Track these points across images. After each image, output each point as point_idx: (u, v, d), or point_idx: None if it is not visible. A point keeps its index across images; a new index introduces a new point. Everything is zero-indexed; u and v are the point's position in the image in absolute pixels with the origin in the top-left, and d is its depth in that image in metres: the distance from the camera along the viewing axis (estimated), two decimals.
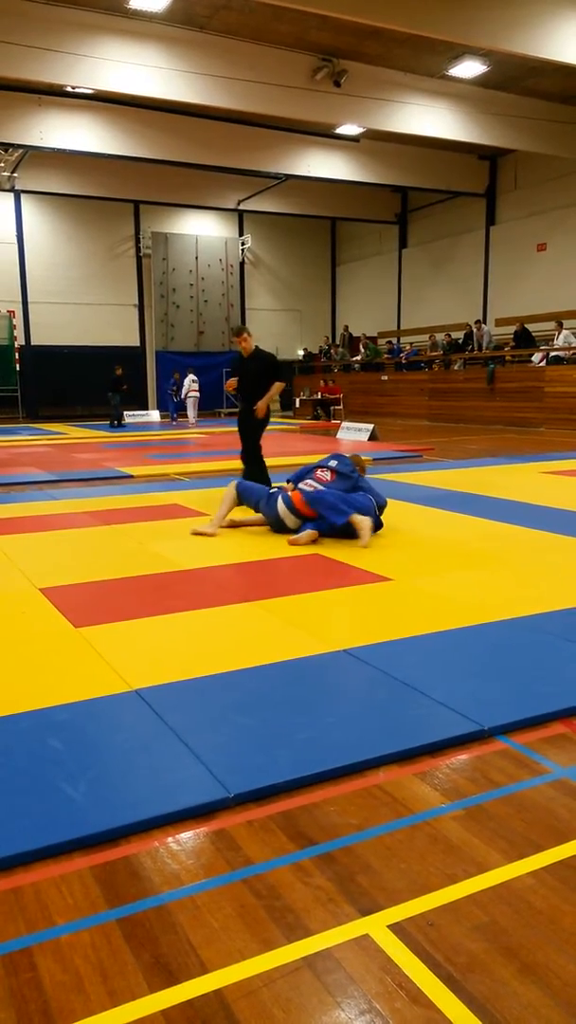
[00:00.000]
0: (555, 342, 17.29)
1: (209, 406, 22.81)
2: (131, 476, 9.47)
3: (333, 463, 5.74)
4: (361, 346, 23.69)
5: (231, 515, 5.95)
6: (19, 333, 23.79)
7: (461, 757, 2.46)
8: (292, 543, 5.27)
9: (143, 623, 3.71)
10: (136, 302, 25.43)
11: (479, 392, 18.16)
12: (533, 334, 18.65)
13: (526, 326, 18.76)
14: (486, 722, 2.60)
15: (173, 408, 21.09)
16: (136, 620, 3.75)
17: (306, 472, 5.80)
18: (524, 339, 18.54)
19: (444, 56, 14.41)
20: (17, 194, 22.62)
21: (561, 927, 1.72)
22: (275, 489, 5.76)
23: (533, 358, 17.60)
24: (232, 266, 26.30)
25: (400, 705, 2.76)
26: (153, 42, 13.41)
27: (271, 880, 1.88)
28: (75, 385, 23.77)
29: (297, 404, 23.10)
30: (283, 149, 18.69)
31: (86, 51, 13.01)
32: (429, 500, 7.06)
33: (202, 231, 25.76)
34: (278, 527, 5.64)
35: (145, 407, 24.80)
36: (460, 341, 20.36)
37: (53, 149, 17.05)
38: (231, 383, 7.00)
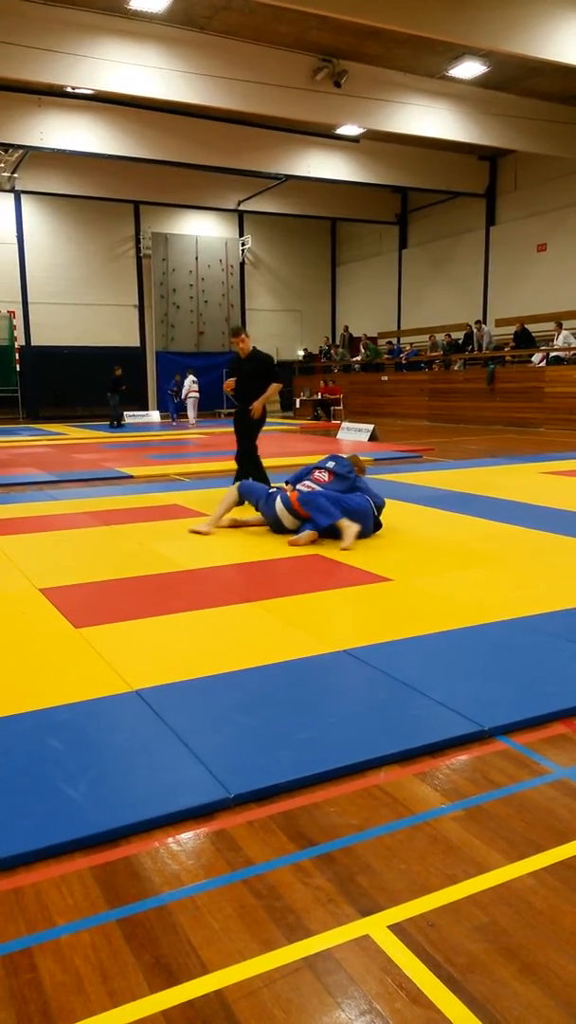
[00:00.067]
0: (555, 342, 17.30)
1: (209, 407, 22.81)
2: (131, 476, 9.47)
3: (331, 464, 5.75)
4: (362, 346, 23.69)
5: (233, 514, 5.97)
6: (19, 333, 23.79)
7: (461, 757, 2.46)
8: (292, 544, 5.27)
9: (143, 623, 3.71)
10: (136, 302, 25.44)
11: (479, 392, 18.16)
12: (533, 334, 18.66)
13: (526, 326, 18.76)
14: (486, 722, 2.60)
15: (173, 409, 21.11)
16: (136, 620, 3.75)
17: (305, 473, 5.81)
18: (524, 339, 18.54)
19: (444, 56, 14.42)
20: (17, 194, 22.62)
21: (561, 927, 1.72)
22: (274, 489, 5.77)
23: (533, 358, 17.60)
24: (232, 266, 26.31)
25: (400, 705, 2.76)
26: (153, 43, 13.42)
27: (271, 880, 1.88)
28: (75, 385, 23.78)
29: (297, 404, 23.11)
30: (283, 149, 18.69)
31: (86, 52, 13.02)
32: (429, 500, 7.06)
33: (202, 231, 25.77)
34: (277, 527, 5.65)
35: (145, 408, 24.81)
36: (460, 341, 20.37)
37: (53, 150, 17.06)
38: (229, 383, 7.01)
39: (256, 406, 6.88)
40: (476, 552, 5.08)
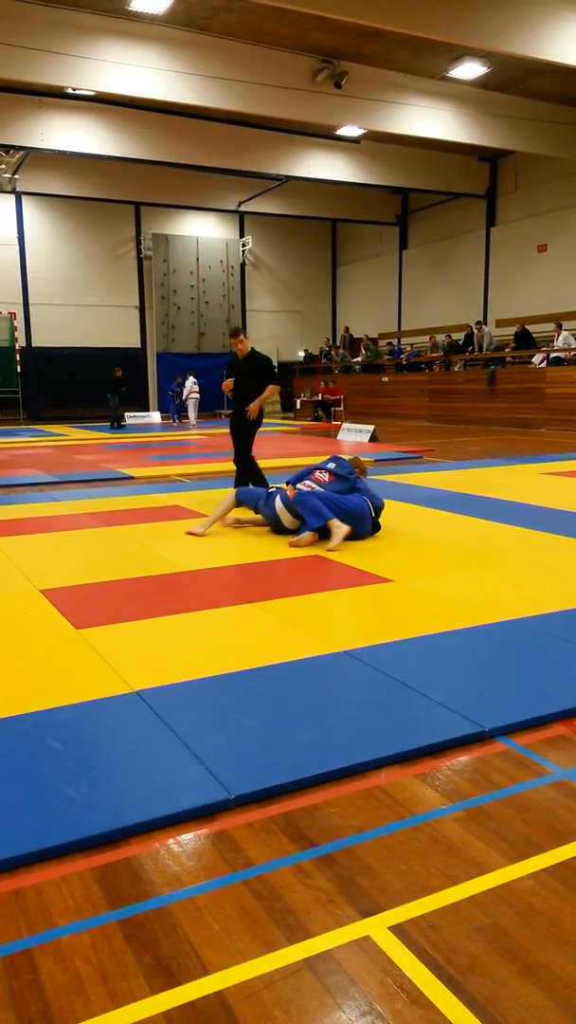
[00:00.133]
0: (555, 343, 17.30)
1: (210, 407, 22.83)
2: (132, 477, 9.47)
3: (331, 465, 5.76)
4: (363, 347, 23.70)
5: (235, 513, 5.99)
6: (20, 334, 23.81)
7: (462, 758, 2.46)
8: (293, 545, 5.28)
9: (144, 624, 3.71)
10: (137, 303, 25.45)
11: (480, 393, 18.16)
12: (534, 335, 18.66)
13: (526, 327, 18.77)
14: (487, 723, 2.60)
15: (174, 410, 21.12)
16: (137, 621, 3.75)
17: (305, 474, 5.82)
18: (524, 340, 18.54)
19: (444, 57, 14.42)
20: (18, 196, 22.64)
21: (562, 928, 1.72)
22: (274, 489, 5.78)
23: (534, 359, 17.60)
24: (233, 267, 26.32)
25: (401, 706, 2.76)
26: (154, 44, 13.43)
27: (272, 881, 1.88)
28: (76, 386, 23.80)
29: (298, 405, 23.11)
30: (284, 150, 18.71)
31: (87, 53, 13.03)
32: (429, 501, 7.06)
33: (203, 232, 25.78)
34: (277, 527, 5.66)
35: (146, 409, 24.82)
36: (460, 342, 20.37)
37: (54, 151, 17.07)
38: (228, 384, 7.01)
39: (252, 407, 6.88)
40: (476, 553, 5.08)
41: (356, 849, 2.00)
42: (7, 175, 20.32)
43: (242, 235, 26.45)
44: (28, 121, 16.14)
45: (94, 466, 10.62)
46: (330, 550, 5.13)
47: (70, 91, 15.02)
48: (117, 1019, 1.49)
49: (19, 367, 23.67)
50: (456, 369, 19.70)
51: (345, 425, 15.80)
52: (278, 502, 5.59)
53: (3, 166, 19.93)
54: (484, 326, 20.12)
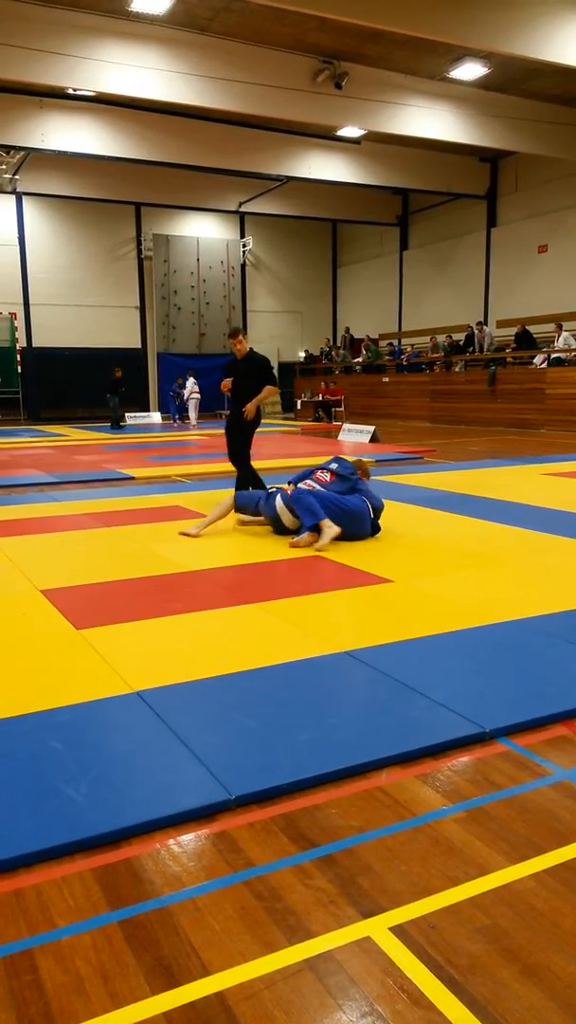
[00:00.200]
0: (555, 344, 17.30)
1: (210, 408, 22.84)
2: (132, 478, 9.47)
3: (334, 466, 5.78)
4: (364, 348, 23.70)
5: (239, 513, 6.00)
6: (20, 335, 23.82)
7: (462, 759, 2.46)
8: (293, 545, 5.28)
9: (144, 625, 3.71)
10: (137, 304, 25.46)
11: (480, 394, 18.16)
12: (534, 336, 18.66)
13: (527, 328, 18.77)
14: (487, 724, 2.60)
15: (175, 410, 21.12)
16: (137, 622, 3.75)
17: (307, 473, 5.83)
18: (525, 341, 18.55)
19: (445, 58, 14.43)
20: (19, 196, 22.66)
21: (562, 929, 1.72)
22: (274, 489, 5.79)
23: (534, 360, 17.60)
24: (233, 268, 26.33)
25: (401, 707, 2.76)
26: (154, 44, 13.43)
27: (272, 882, 1.88)
28: (76, 387, 23.80)
29: (298, 406, 23.11)
30: (284, 151, 18.71)
31: (87, 54, 13.03)
32: (430, 502, 7.06)
33: (203, 233, 25.79)
34: (278, 527, 5.67)
35: (146, 409, 24.83)
36: (461, 343, 20.37)
37: (54, 151, 17.08)
38: (226, 383, 7.01)
39: (249, 407, 6.88)
40: (477, 553, 5.08)
41: (357, 850, 2.00)
42: (8, 176, 20.33)
43: (243, 236, 26.46)
44: (29, 122, 16.15)
45: (94, 466, 10.62)
46: (317, 549, 5.16)
47: (71, 92, 15.03)
48: (117, 1019, 1.49)
49: (19, 367, 23.68)
50: (457, 370, 19.70)
51: (346, 426, 15.79)
52: (279, 501, 5.60)
53: (4, 167, 19.94)
54: (485, 327, 20.12)
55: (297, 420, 22.26)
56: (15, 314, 23.67)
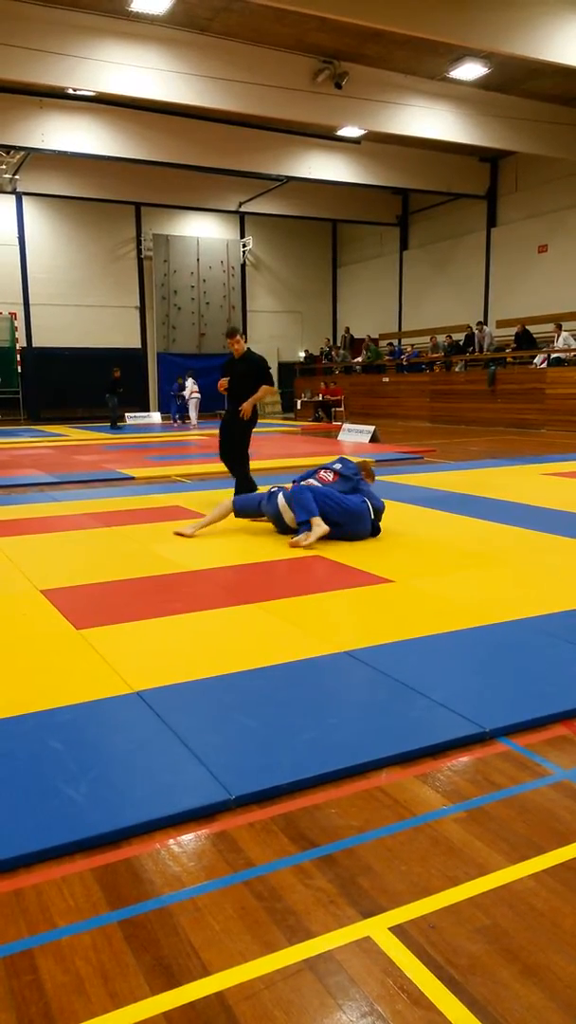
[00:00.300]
0: (555, 344, 17.31)
1: (210, 408, 22.84)
2: (132, 478, 9.48)
3: (337, 466, 5.79)
4: (364, 348, 23.70)
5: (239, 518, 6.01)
6: (20, 335, 23.82)
7: (462, 759, 2.46)
8: (293, 545, 5.28)
9: (144, 625, 3.71)
10: (137, 304, 25.46)
11: (480, 394, 18.16)
12: (534, 336, 18.66)
13: (527, 328, 18.77)
14: (487, 724, 2.60)
15: (175, 411, 21.13)
16: (138, 622, 3.75)
17: (311, 474, 5.84)
18: (525, 341, 18.55)
19: (445, 58, 14.43)
20: (19, 196, 22.66)
21: (562, 929, 1.72)
22: (276, 488, 5.80)
23: (535, 360, 17.60)
24: (233, 268, 26.33)
25: (401, 707, 2.76)
26: (154, 44, 13.43)
27: (272, 882, 1.88)
28: (76, 387, 23.80)
29: (298, 406, 23.10)
30: (284, 151, 18.71)
31: (87, 54, 13.03)
32: (430, 502, 7.06)
33: (203, 233, 25.79)
34: (280, 525, 5.68)
35: (146, 409, 24.83)
36: (461, 343, 20.37)
37: (54, 151, 17.08)
38: (223, 383, 7.01)
39: (245, 407, 6.87)
40: (477, 553, 5.08)
41: (357, 850, 2.00)
42: (8, 176, 20.34)
43: (243, 236, 26.46)
44: (29, 122, 16.15)
45: (94, 466, 10.62)
46: (305, 546, 5.19)
47: (71, 92, 15.03)
48: (118, 1019, 1.49)
49: (19, 367, 23.68)
50: (457, 370, 19.70)
51: (346, 426, 15.79)
52: (280, 499, 5.62)
53: (4, 167, 19.95)
54: (485, 327, 20.12)
55: (297, 420, 22.26)
56: (15, 314, 23.67)
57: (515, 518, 6.20)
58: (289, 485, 5.77)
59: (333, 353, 25.29)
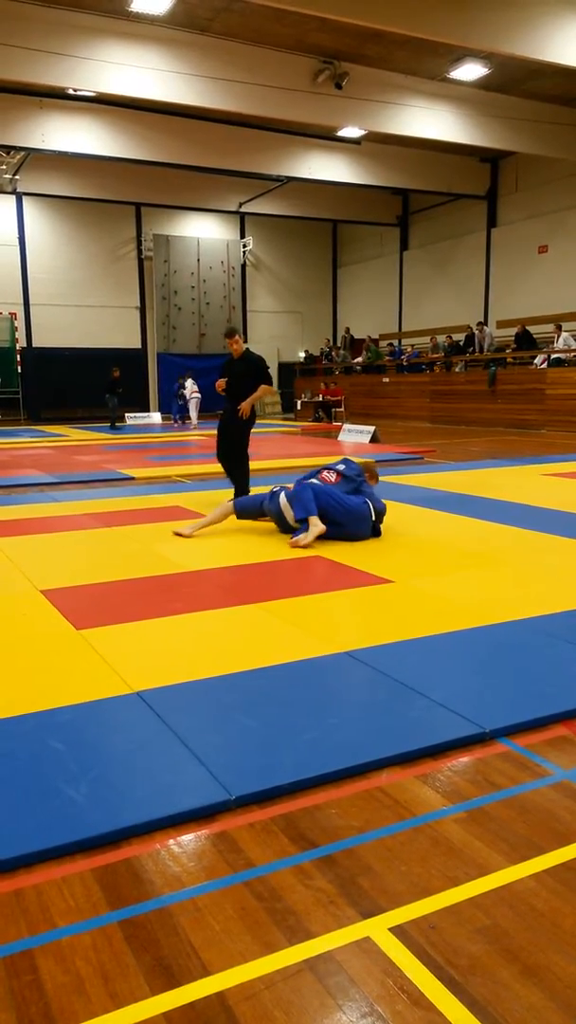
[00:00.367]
0: (555, 344, 17.30)
1: (211, 408, 22.83)
2: (132, 478, 9.48)
3: (341, 467, 5.79)
4: (364, 348, 23.70)
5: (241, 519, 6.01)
6: (21, 335, 23.82)
7: (463, 759, 2.46)
8: (293, 545, 5.28)
9: (144, 625, 3.71)
10: (138, 304, 25.46)
11: (480, 394, 18.16)
12: (534, 336, 18.66)
13: (527, 328, 18.77)
14: (487, 724, 2.60)
15: (177, 411, 21.14)
16: (138, 622, 3.75)
17: (313, 474, 5.84)
18: (525, 341, 18.55)
19: (445, 59, 14.43)
20: (19, 196, 22.66)
21: (563, 929, 1.72)
22: (279, 487, 5.81)
23: (535, 360, 17.60)
24: (234, 268, 26.33)
25: (401, 707, 2.76)
26: (155, 45, 13.44)
27: (272, 882, 1.88)
28: (76, 387, 23.79)
29: (298, 406, 23.10)
30: (284, 151, 18.71)
31: (88, 54, 13.04)
32: (430, 502, 7.06)
33: (204, 233, 25.79)
34: (283, 524, 5.68)
35: (146, 409, 24.82)
36: (461, 343, 20.37)
37: (55, 152, 17.08)
38: (220, 383, 7.01)
39: (244, 406, 6.87)
40: (477, 553, 5.08)
41: (357, 850, 2.00)
42: (8, 176, 20.33)
43: (243, 236, 26.46)
44: (29, 122, 16.16)
45: (94, 467, 10.62)
46: (304, 545, 5.19)
47: (71, 92, 15.03)
48: (118, 1020, 1.49)
49: (20, 368, 23.68)
50: (457, 370, 19.70)
51: (346, 426, 15.79)
52: (282, 498, 5.63)
53: (4, 167, 19.94)
54: (485, 327, 20.12)
55: (297, 420, 22.26)
56: (15, 314, 23.66)
57: (515, 518, 6.20)
58: (291, 485, 5.78)
59: (333, 353, 25.29)
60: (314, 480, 5.65)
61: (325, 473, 5.75)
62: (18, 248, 23.52)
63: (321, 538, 5.34)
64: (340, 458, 6.08)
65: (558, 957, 1.64)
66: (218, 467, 7.46)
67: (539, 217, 20.55)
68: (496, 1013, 1.49)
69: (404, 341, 24.25)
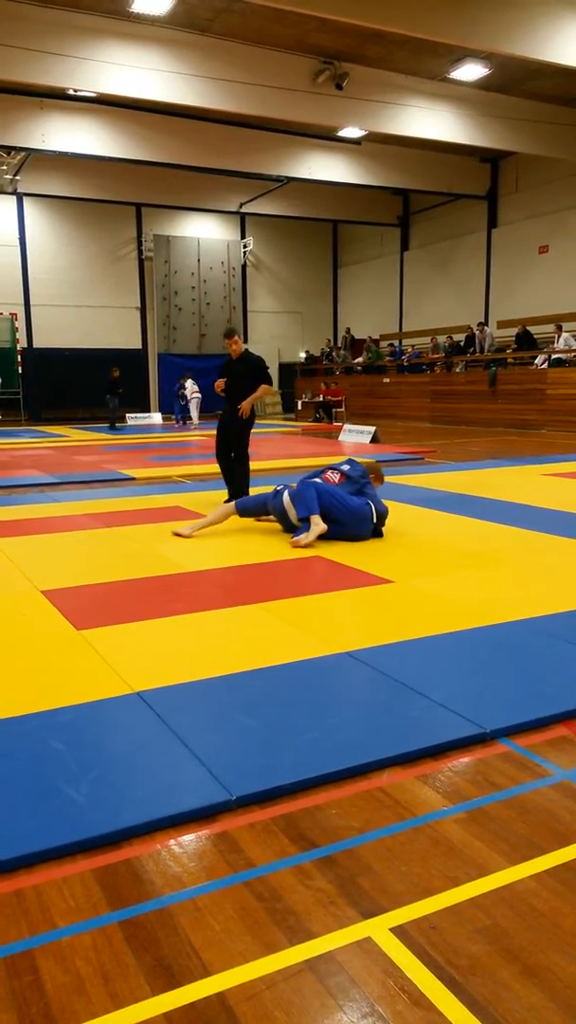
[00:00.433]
0: (555, 344, 17.30)
1: (211, 408, 22.82)
2: (133, 478, 9.48)
3: (345, 467, 5.79)
4: (364, 348, 23.70)
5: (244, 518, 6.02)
6: (21, 335, 23.82)
7: (463, 760, 2.46)
8: (293, 544, 5.29)
9: (145, 625, 3.71)
10: (138, 304, 25.46)
11: (481, 394, 18.16)
12: (535, 336, 18.66)
13: (528, 328, 18.77)
14: (488, 724, 2.60)
15: (179, 411, 21.15)
16: (138, 622, 3.75)
17: (317, 473, 5.85)
18: (526, 341, 18.54)
19: (445, 59, 14.43)
20: (20, 197, 22.67)
21: (563, 929, 1.72)
22: (282, 486, 5.81)
23: (535, 360, 17.60)
24: (234, 268, 26.33)
25: (402, 707, 2.76)
26: (155, 45, 13.44)
27: (273, 883, 1.88)
28: (77, 388, 23.79)
29: (299, 407, 23.10)
30: (285, 152, 18.72)
31: (88, 54, 13.04)
32: (430, 502, 7.06)
33: (204, 233, 25.80)
34: (286, 523, 5.69)
35: (147, 409, 24.83)
36: (462, 343, 20.37)
37: (55, 152, 17.08)
38: (219, 383, 7.01)
39: (244, 406, 6.87)
40: (477, 554, 5.08)
41: (357, 850, 2.00)
42: (8, 176, 20.34)
43: (243, 236, 26.46)
44: (29, 122, 16.16)
45: (95, 467, 10.63)
46: (304, 545, 5.19)
47: (71, 92, 15.04)
48: (118, 1020, 1.49)
49: (20, 368, 23.68)
50: (457, 370, 19.70)
51: (346, 426, 15.79)
52: (285, 496, 5.64)
53: (4, 167, 19.95)
54: (485, 327, 20.12)
55: (298, 421, 22.26)
56: (16, 315, 23.67)
57: (515, 518, 6.20)
58: (295, 484, 5.78)
59: (334, 354, 25.29)
60: (317, 480, 5.66)
61: (329, 473, 5.75)
62: (19, 248, 23.53)
63: (322, 538, 5.34)
64: (344, 458, 6.07)
65: (558, 957, 1.64)
66: (217, 467, 7.45)
67: (539, 217, 20.55)
68: (496, 1013, 1.49)
69: (405, 341, 24.25)
